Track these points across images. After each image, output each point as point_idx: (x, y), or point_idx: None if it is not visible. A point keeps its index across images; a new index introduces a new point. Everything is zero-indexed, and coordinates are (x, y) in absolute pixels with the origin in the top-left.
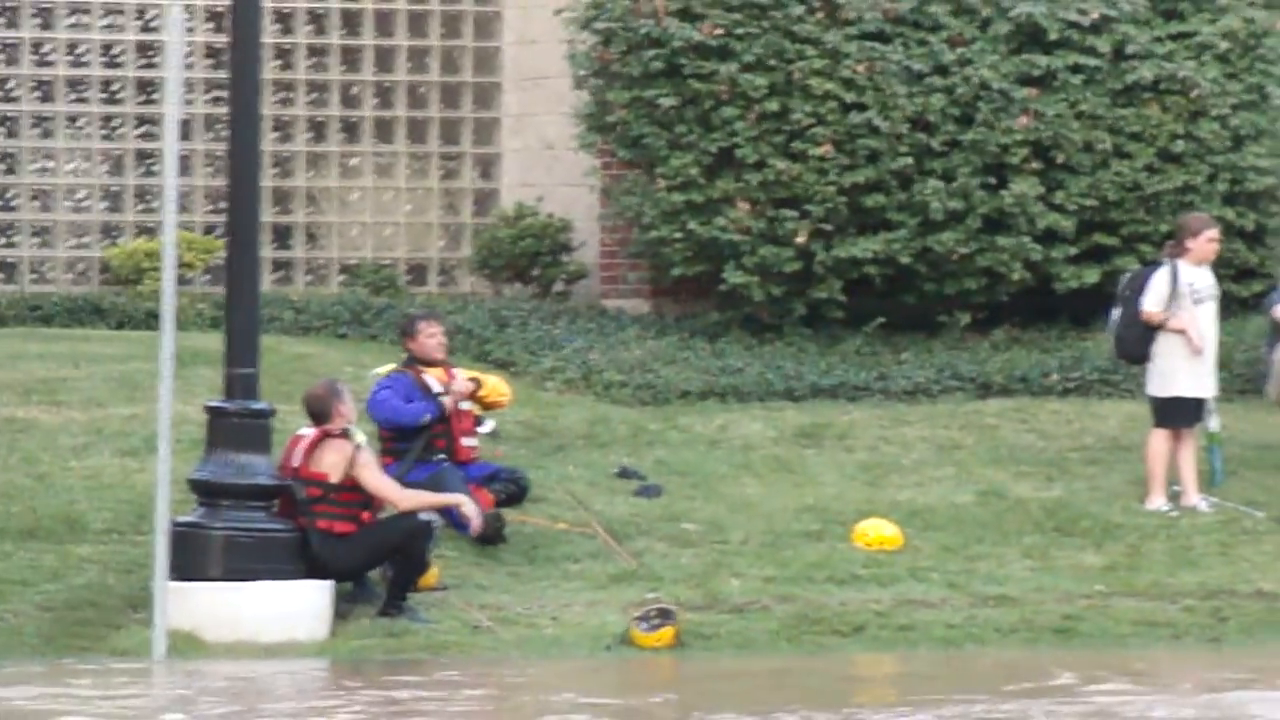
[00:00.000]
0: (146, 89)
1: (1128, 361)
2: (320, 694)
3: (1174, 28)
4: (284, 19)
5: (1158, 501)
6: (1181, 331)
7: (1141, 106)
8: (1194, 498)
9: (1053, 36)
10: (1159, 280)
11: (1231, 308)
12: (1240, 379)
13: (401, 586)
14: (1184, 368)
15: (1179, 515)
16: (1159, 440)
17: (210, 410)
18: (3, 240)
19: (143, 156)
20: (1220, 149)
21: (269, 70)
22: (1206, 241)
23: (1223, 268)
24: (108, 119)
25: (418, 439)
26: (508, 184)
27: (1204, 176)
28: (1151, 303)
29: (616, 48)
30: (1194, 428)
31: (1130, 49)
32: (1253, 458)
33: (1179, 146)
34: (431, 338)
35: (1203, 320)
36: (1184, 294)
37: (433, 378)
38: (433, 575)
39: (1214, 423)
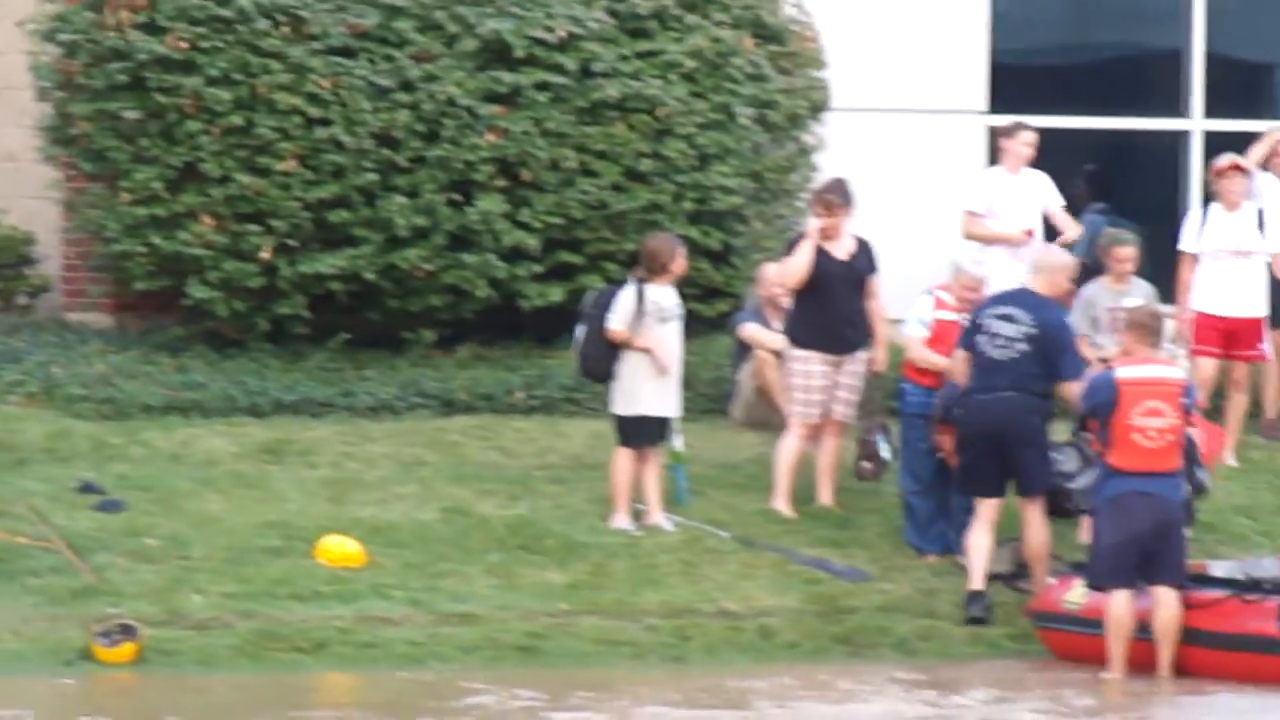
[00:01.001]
0: None
1: (592, 380)
2: None
3: (641, 46)
4: None
5: (621, 520)
6: (647, 351)
7: (608, 125)
8: (658, 516)
9: (520, 54)
10: (625, 299)
11: (697, 327)
12: (705, 399)
13: None
14: (649, 387)
15: (643, 534)
16: (623, 459)
17: None
18: None
19: None
20: (686, 168)
21: None
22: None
23: (688, 287)
24: None
25: None
26: None
27: (670, 195)
28: (617, 321)
29: (80, 60)
30: (658, 446)
31: (597, 67)
32: (717, 477)
33: (645, 165)
34: None
35: (668, 339)
36: (650, 313)
37: None
38: None
39: (678, 442)
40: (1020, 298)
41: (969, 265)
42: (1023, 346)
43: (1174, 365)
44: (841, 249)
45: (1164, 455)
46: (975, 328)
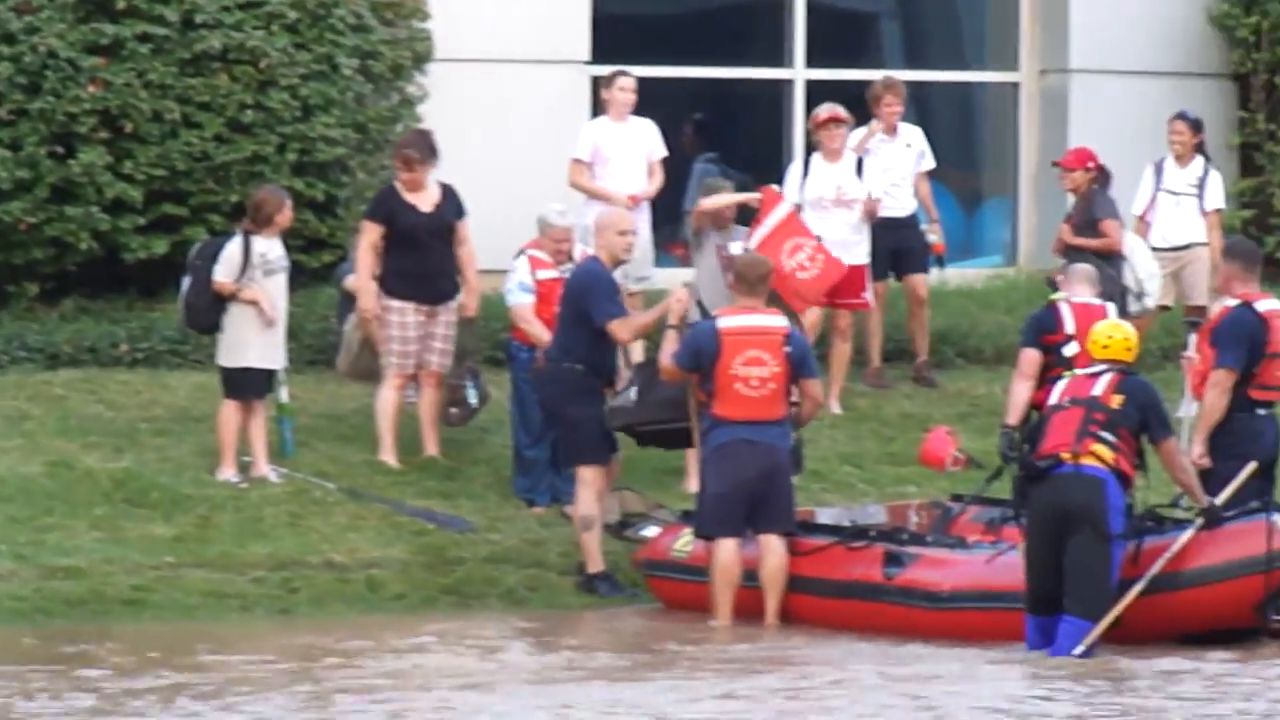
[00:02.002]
0: None
1: (198, 331)
2: None
3: None
4: None
5: (228, 472)
6: (253, 303)
7: (211, 76)
8: (264, 468)
9: (121, 5)
10: (230, 251)
11: (301, 278)
12: (310, 350)
13: None
14: (254, 339)
15: (249, 486)
16: (229, 411)
17: None
18: None
19: None
20: (290, 119)
21: None
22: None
23: (293, 238)
24: None
25: None
26: None
27: (274, 147)
28: (222, 273)
29: None
30: (264, 398)
31: (199, 18)
32: (323, 428)
33: (248, 116)
34: None
35: (274, 291)
36: (255, 265)
37: None
38: None
39: (284, 394)
40: None
41: (554, 217)
42: (559, 310)
43: (776, 314)
44: (426, 201)
45: (768, 404)
46: None
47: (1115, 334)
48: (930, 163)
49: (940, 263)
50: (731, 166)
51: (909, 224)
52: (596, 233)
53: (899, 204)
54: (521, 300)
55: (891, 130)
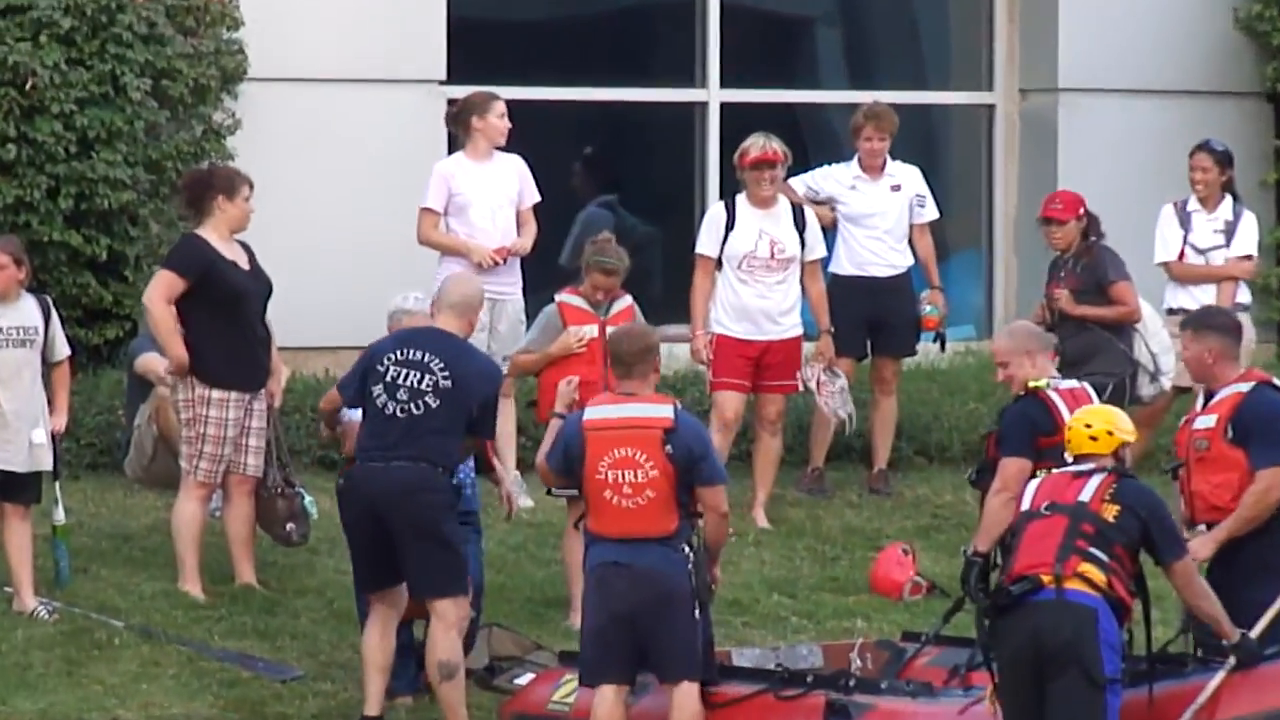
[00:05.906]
0: None
1: None
2: None
3: (4, 1)
4: None
5: None
6: None
7: None
8: (30, 601)
9: None
10: None
11: (79, 359)
12: (92, 450)
13: None
14: None
15: (11, 625)
16: None
17: None
18: None
19: None
20: (63, 156)
21: None
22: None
23: (69, 308)
24: None
25: None
26: None
27: (42, 190)
28: None
29: None
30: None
31: None
32: (108, 551)
33: (10, 152)
34: None
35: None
36: None
37: None
38: None
39: (58, 511)
40: (429, 339)
41: (410, 304)
42: (430, 401)
43: (659, 401)
44: (239, 256)
45: (646, 518)
46: (369, 374)
47: (1117, 423)
48: (932, 212)
49: (940, 341)
50: (631, 213)
51: (894, 288)
52: (458, 307)
53: (883, 262)
54: (352, 417)
55: (876, 170)
